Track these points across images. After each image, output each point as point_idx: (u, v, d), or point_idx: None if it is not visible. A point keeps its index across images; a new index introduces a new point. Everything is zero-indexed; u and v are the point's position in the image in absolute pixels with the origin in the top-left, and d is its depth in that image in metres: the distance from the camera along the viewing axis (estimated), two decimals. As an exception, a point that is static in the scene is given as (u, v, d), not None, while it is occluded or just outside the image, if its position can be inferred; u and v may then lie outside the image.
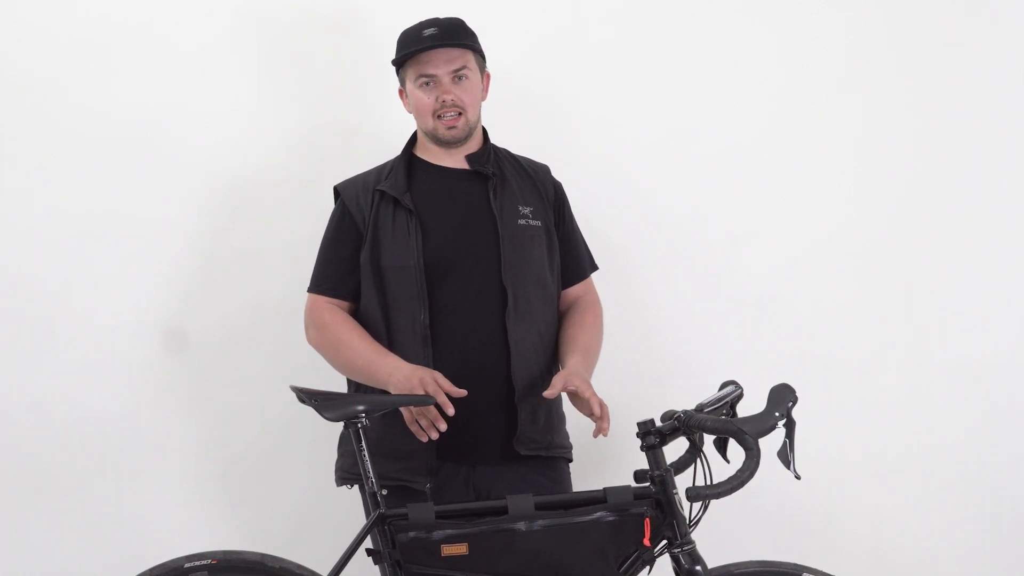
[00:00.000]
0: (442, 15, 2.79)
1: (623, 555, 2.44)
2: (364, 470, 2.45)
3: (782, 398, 2.32)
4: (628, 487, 2.46)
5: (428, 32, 2.74)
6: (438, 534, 2.38)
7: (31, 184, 3.26)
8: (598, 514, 2.42)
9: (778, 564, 2.57)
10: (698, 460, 2.48)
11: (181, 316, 3.30)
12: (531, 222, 2.80)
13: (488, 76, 2.87)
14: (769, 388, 2.34)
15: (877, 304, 3.54)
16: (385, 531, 2.41)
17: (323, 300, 2.78)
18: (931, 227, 3.58)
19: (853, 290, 3.54)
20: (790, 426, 2.31)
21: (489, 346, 2.71)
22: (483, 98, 2.85)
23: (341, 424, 2.52)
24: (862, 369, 3.51)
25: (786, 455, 2.30)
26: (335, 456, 2.82)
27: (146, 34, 3.31)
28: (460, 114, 2.76)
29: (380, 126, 3.26)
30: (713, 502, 2.36)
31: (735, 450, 2.37)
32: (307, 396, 2.46)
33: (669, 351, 3.47)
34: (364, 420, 2.44)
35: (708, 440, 2.49)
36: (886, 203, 3.57)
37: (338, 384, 2.80)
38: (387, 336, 2.72)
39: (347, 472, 2.73)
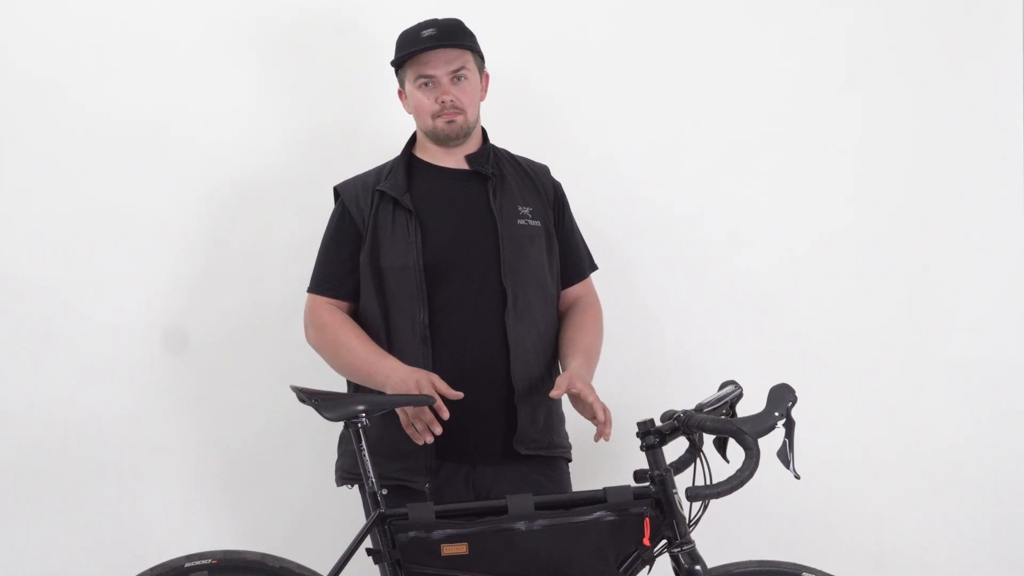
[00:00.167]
0: (441, 16, 2.79)
1: (623, 555, 2.44)
2: (364, 470, 2.45)
3: (782, 398, 2.32)
4: (628, 487, 2.46)
5: (427, 33, 2.74)
6: (438, 534, 2.38)
7: (31, 184, 3.26)
8: (598, 514, 2.42)
9: (778, 564, 2.57)
10: (698, 460, 2.48)
11: (181, 316, 3.30)
12: (530, 222, 2.81)
13: (487, 76, 2.87)
14: (769, 388, 2.34)
15: (877, 304, 3.54)
16: (385, 531, 2.41)
17: (323, 300, 2.78)
18: (931, 227, 3.58)
19: (853, 290, 3.54)
20: (790, 426, 2.30)
21: (488, 346, 2.71)
22: (482, 98, 2.85)
23: (341, 424, 2.53)
24: (862, 369, 3.51)
25: (786, 455, 2.30)
26: (335, 456, 2.82)
27: (146, 34, 3.31)
28: (459, 114, 2.76)
29: (380, 126, 3.26)
30: (713, 502, 2.36)
31: (735, 450, 2.37)
32: (307, 396, 2.46)
33: (669, 351, 3.47)
34: (364, 420, 2.44)
35: (708, 440, 2.50)
36: (886, 203, 3.56)
37: (338, 384, 2.80)
38: (386, 336, 2.72)
39: (347, 472, 2.74)
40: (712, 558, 2.49)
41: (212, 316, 3.31)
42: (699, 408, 2.44)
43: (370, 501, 2.45)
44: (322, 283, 2.80)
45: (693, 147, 3.51)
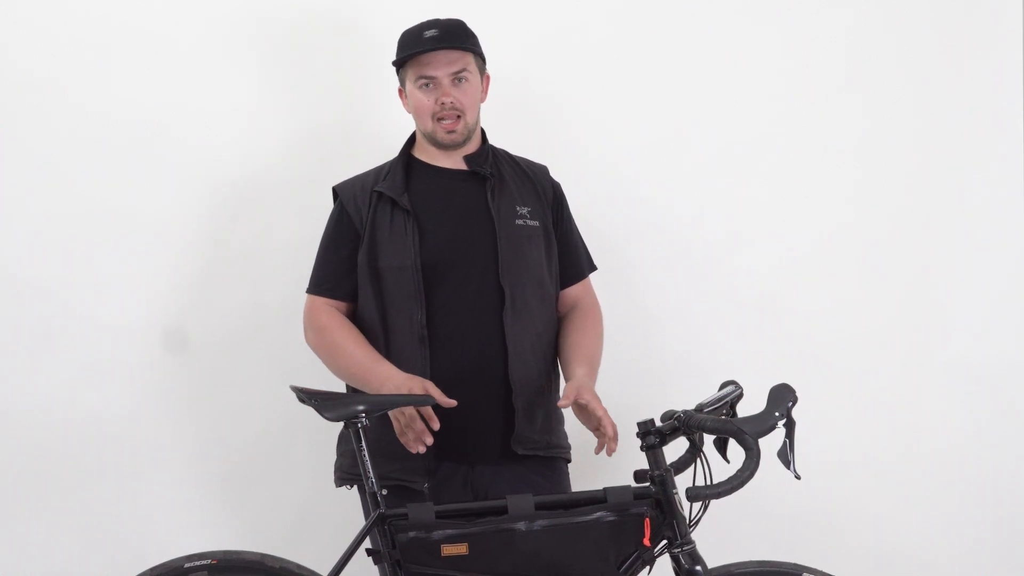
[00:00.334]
0: (443, 16, 2.79)
1: (623, 555, 2.44)
2: (364, 470, 2.44)
3: (782, 398, 2.32)
4: (628, 487, 2.46)
5: (429, 34, 2.74)
6: (438, 534, 2.38)
7: (31, 184, 3.26)
8: (598, 514, 2.42)
9: (778, 564, 2.57)
10: (698, 460, 2.48)
11: (181, 316, 3.30)
12: (529, 222, 2.80)
13: (488, 78, 2.87)
14: (769, 388, 2.34)
15: (877, 304, 3.54)
16: (385, 531, 2.41)
17: (321, 301, 2.78)
18: (931, 227, 3.58)
19: (853, 290, 3.54)
20: (790, 426, 2.30)
21: (486, 346, 2.71)
22: (482, 100, 2.85)
23: (340, 424, 2.53)
24: (862, 369, 3.51)
25: (786, 455, 2.30)
26: (335, 456, 2.82)
27: (146, 34, 3.31)
28: (459, 117, 2.76)
29: (380, 126, 3.26)
30: (713, 502, 2.36)
31: (735, 450, 2.37)
32: (307, 396, 2.46)
33: (669, 351, 3.47)
34: (364, 420, 2.44)
35: (708, 440, 2.49)
36: (886, 203, 3.56)
37: (338, 384, 2.80)
38: (384, 337, 2.72)
39: (346, 472, 2.73)
40: (712, 558, 2.49)
41: (212, 316, 3.31)
42: (699, 408, 2.44)
43: (370, 501, 2.45)
44: (321, 283, 2.80)
45: (693, 147, 3.52)
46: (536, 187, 2.88)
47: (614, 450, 2.63)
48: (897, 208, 3.57)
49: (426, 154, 2.84)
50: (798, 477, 2.31)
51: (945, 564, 3.47)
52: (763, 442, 2.29)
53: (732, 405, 2.49)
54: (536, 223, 2.82)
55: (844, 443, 3.45)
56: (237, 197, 3.34)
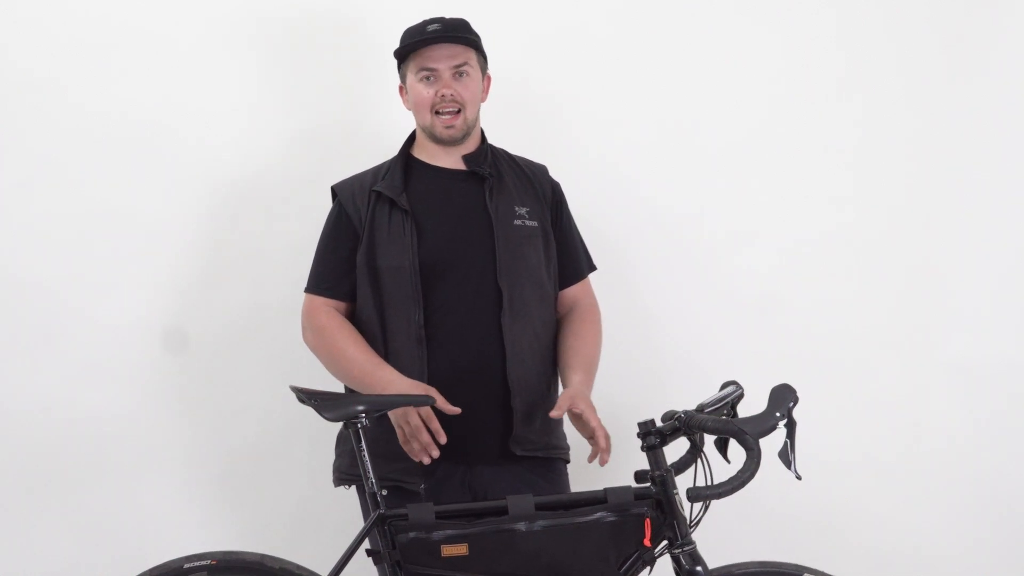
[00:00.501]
0: (445, 15, 2.79)
1: (623, 555, 2.43)
2: (364, 470, 2.44)
3: (783, 398, 2.32)
4: (628, 487, 2.45)
5: (432, 27, 2.75)
6: (438, 534, 2.38)
7: (31, 184, 3.26)
8: (598, 514, 2.42)
9: (778, 564, 2.56)
10: (699, 460, 2.48)
11: (181, 316, 3.30)
12: (527, 222, 2.80)
13: (489, 78, 2.87)
14: (770, 388, 2.34)
15: (877, 304, 3.54)
16: (385, 531, 2.41)
17: (320, 301, 2.78)
18: (931, 227, 3.58)
19: (853, 290, 3.54)
20: (791, 426, 2.30)
21: (485, 346, 2.70)
22: (483, 99, 2.85)
23: (340, 424, 2.52)
24: (862, 369, 3.51)
25: (787, 455, 2.30)
26: (334, 456, 2.82)
27: (146, 34, 3.31)
28: (459, 111, 2.76)
29: (380, 126, 3.26)
30: (714, 502, 2.36)
31: (736, 450, 2.37)
32: (307, 396, 2.46)
33: (669, 351, 3.47)
34: (364, 420, 2.43)
35: (709, 440, 2.49)
36: (886, 203, 3.56)
37: (337, 384, 2.80)
38: (382, 337, 2.72)
39: (345, 472, 2.73)
40: (713, 559, 2.49)
41: (212, 316, 3.31)
42: (700, 408, 2.44)
43: (370, 502, 2.45)
44: (319, 283, 2.79)
45: (693, 147, 3.51)
46: (535, 187, 2.88)
47: (607, 461, 2.63)
48: (897, 208, 3.56)
49: (425, 153, 2.84)
50: (799, 477, 2.31)
51: (945, 564, 3.47)
52: (764, 442, 2.29)
53: (733, 405, 2.48)
54: (535, 223, 2.82)
55: (844, 443, 3.45)
56: (237, 197, 3.34)
